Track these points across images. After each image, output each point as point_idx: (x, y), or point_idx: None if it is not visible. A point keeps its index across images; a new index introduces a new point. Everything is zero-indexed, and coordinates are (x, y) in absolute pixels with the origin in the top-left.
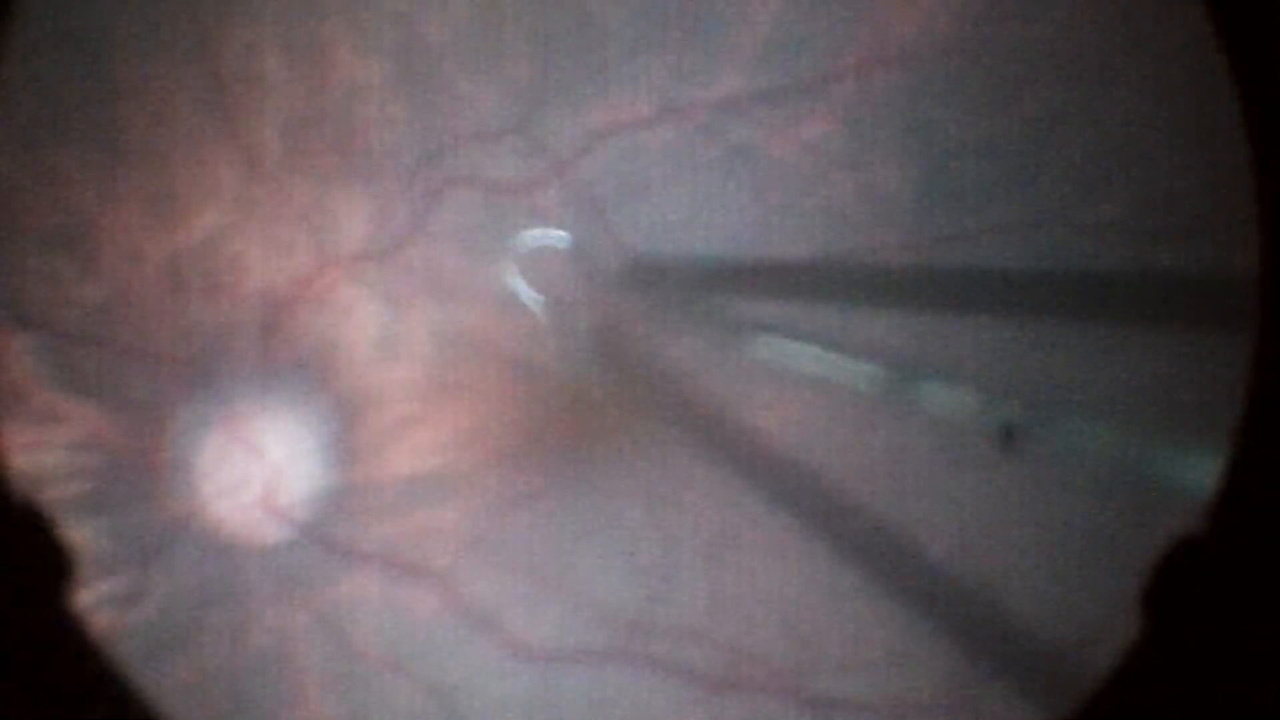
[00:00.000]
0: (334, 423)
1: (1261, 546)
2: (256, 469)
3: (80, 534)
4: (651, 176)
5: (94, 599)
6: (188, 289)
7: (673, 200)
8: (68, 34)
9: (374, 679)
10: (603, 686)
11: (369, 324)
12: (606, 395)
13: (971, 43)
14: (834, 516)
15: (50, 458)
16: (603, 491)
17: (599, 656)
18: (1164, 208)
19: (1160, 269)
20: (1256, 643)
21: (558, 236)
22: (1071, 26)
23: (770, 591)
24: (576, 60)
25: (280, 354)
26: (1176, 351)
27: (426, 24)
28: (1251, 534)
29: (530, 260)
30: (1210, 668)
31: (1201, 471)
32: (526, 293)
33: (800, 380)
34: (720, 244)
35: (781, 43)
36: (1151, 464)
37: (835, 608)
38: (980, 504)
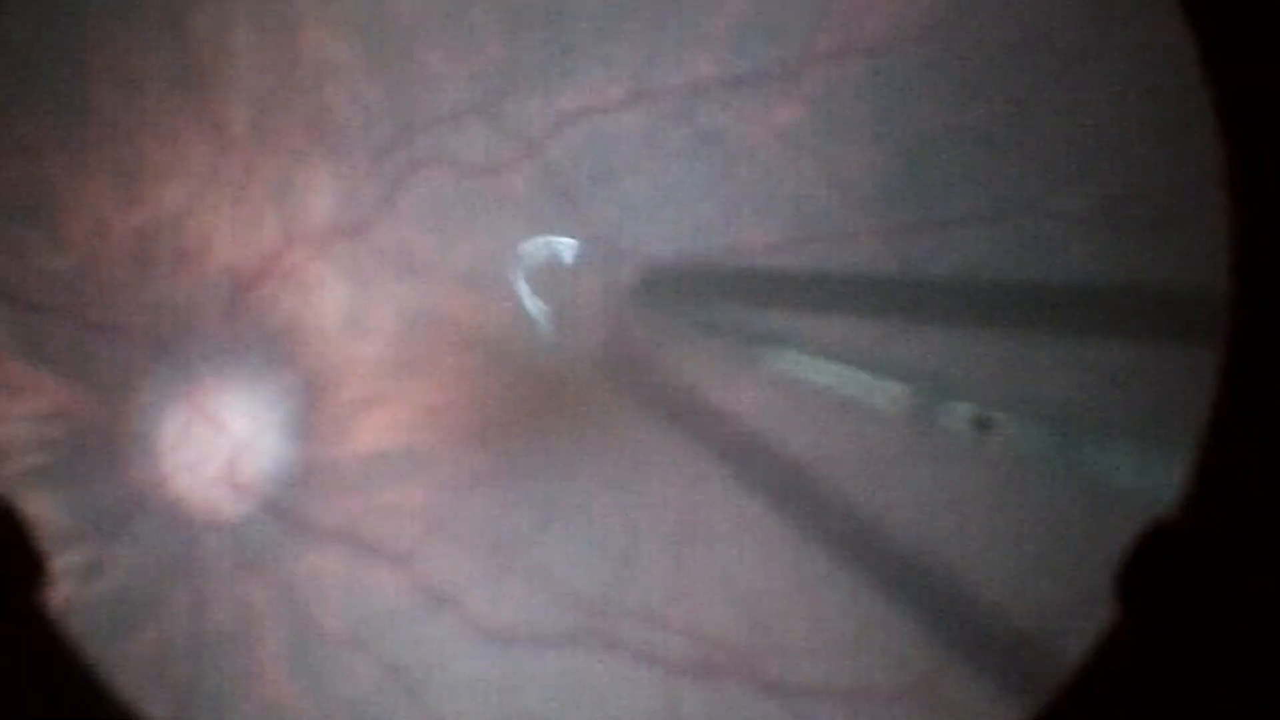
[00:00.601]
0: (299, 399)
1: (1234, 531)
2: (220, 444)
3: (42, 505)
4: (621, 160)
5: (55, 571)
6: (155, 262)
7: (642, 183)
8: (40, 9)
9: (335, 656)
10: (565, 668)
11: (335, 301)
12: (572, 378)
13: (943, 32)
14: (799, 504)
15: (13, 429)
16: (568, 474)
17: (561, 638)
18: (1134, 200)
19: (1127, 262)
20: (1230, 628)
21: (566, 245)
22: (1043, 18)
23: (734, 577)
24: (547, 43)
25: (246, 329)
26: (1141, 348)
27: (397, 4)
28: (1224, 519)
29: (498, 246)
30: (1183, 654)
31: (1162, 470)
32: (498, 277)
33: (765, 374)
34: (688, 228)
35: (753, 29)
36: (1112, 463)
37: (799, 594)
38: (945, 494)
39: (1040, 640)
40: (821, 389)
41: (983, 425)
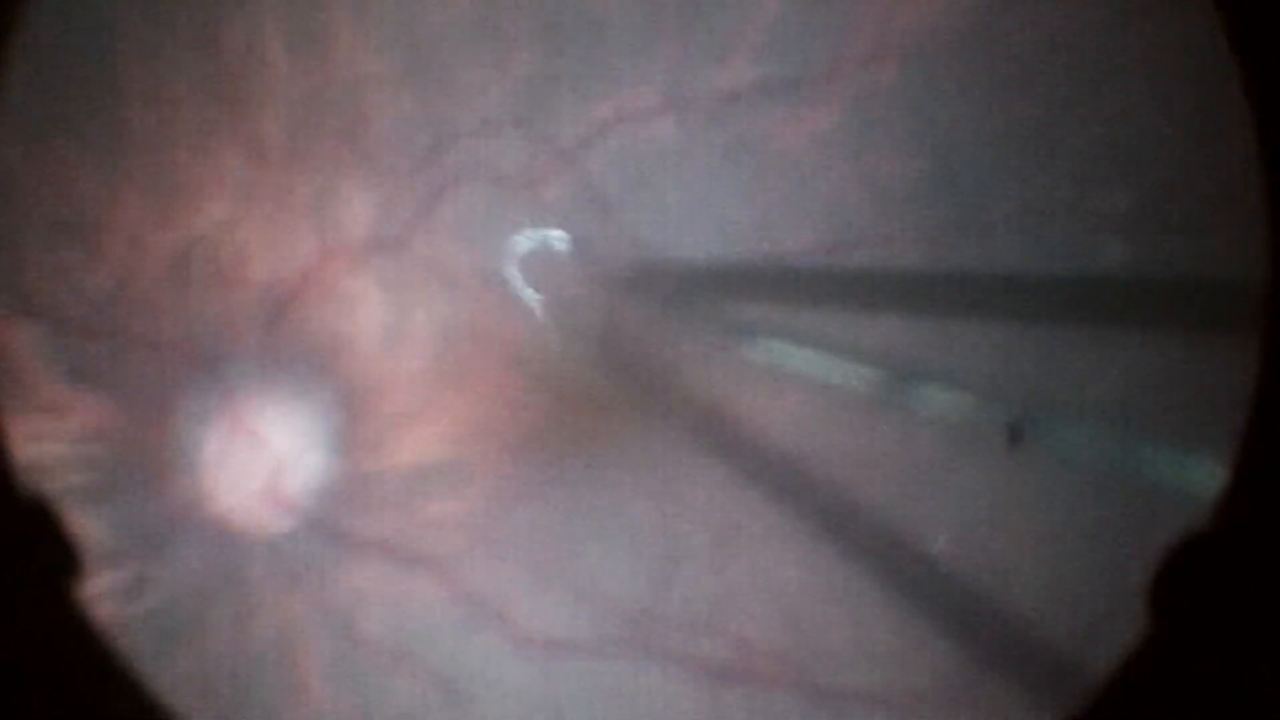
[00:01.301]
0: (338, 413)
1: (1268, 543)
2: (261, 459)
3: (85, 524)
4: (656, 168)
5: (98, 590)
6: (193, 280)
7: (677, 191)
8: (72, 26)
9: (378, 670)
10: (607, 678)
11: (374, 315)
12: (611, 388)
13: (976, 35)
14: (837, 511)
15: (56, 448)
16: (607, 484)
17: (605, 647)
18: (1170, 202)
19: (1165, 263)
20: (1262, 640)
21: (558, 236)
22: (1076, 19)
23: (775, 584)
24: (580, 52)
25: (285, 345)
26: (1180, 350)
27: (429, 15)
28: (1258, 531)
29: (532, 259)
30: (1215, 666)
31: (1203, 473)
32: (526, 291)
33: (803, 379)
34: (724, 235)
35: (786, 34)
36: (1153, 466)
37: (840, 601)
38: (983, 500)
39: (1082, 644)
40: (850, 391)
41: (1014, 436)
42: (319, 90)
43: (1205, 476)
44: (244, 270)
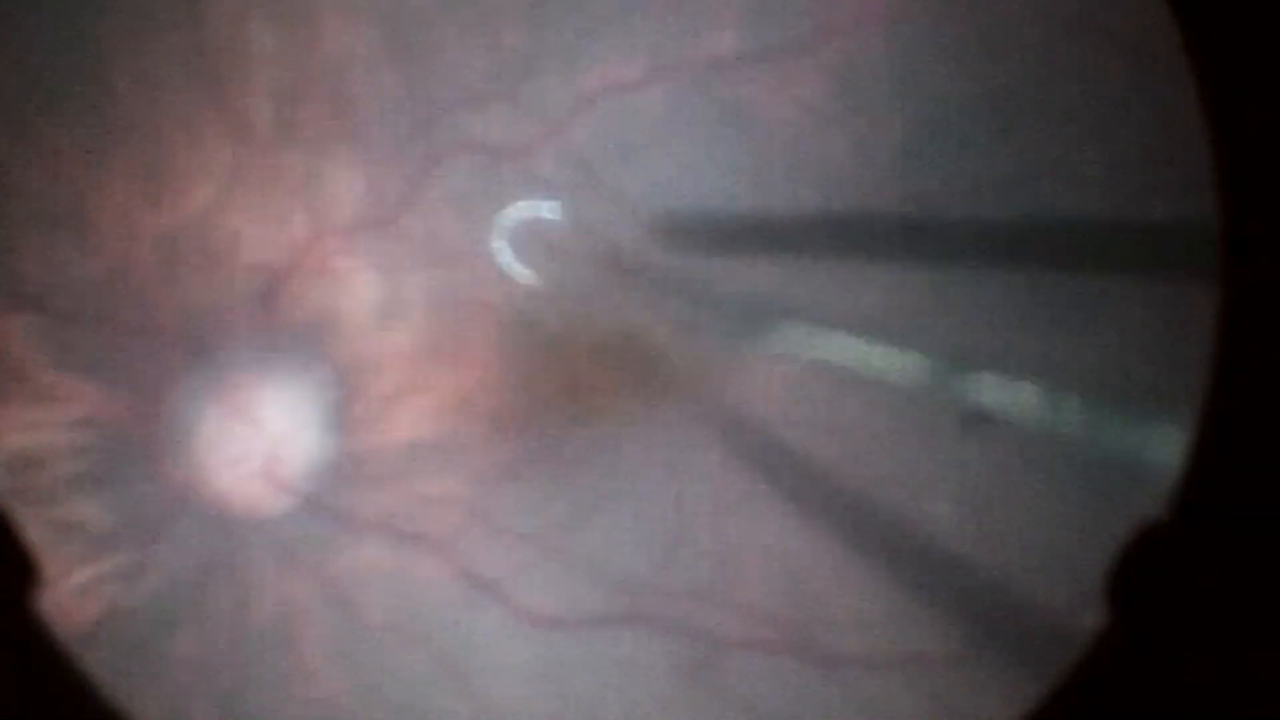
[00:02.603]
0: (333, 392)
1: (1225, 534)
2: (257, 441)
3: (83, 511)
4: (644, 137)
5: (98, 575)
6: (184, 263)
7: (666, 159)
8: (56, 11)
9: (380, 648)
10: (612, 649)
11: (366, 293)
12: (604, 360)
13: (958, 2)
14: (834, 483)
15: (50, 436)
16: (607, 456)
17: (608, 620)
18: (1151, 163)
19: (1147, 225)
20: (1220, 630)
21: (549, 207)
22: None
23: (778, 552)
24: (565, 23)
25: (278, 325)
26: (1167, 313)
27: None
28: (1215, 519)
29: (523, 231)
30: (1173, 655)
31: (1166, 446)
32: (517, 263)
33: (800, 353)
34: (713, 201)
35: (770, 2)
36: (1119, 438)
37: (845, 566)
38: (978, 471)
39: (1074, 612)
40: (834, 364)
41: (983, 419)
42: (305, 69)
43: (1166, 450)
44: (234, 253)
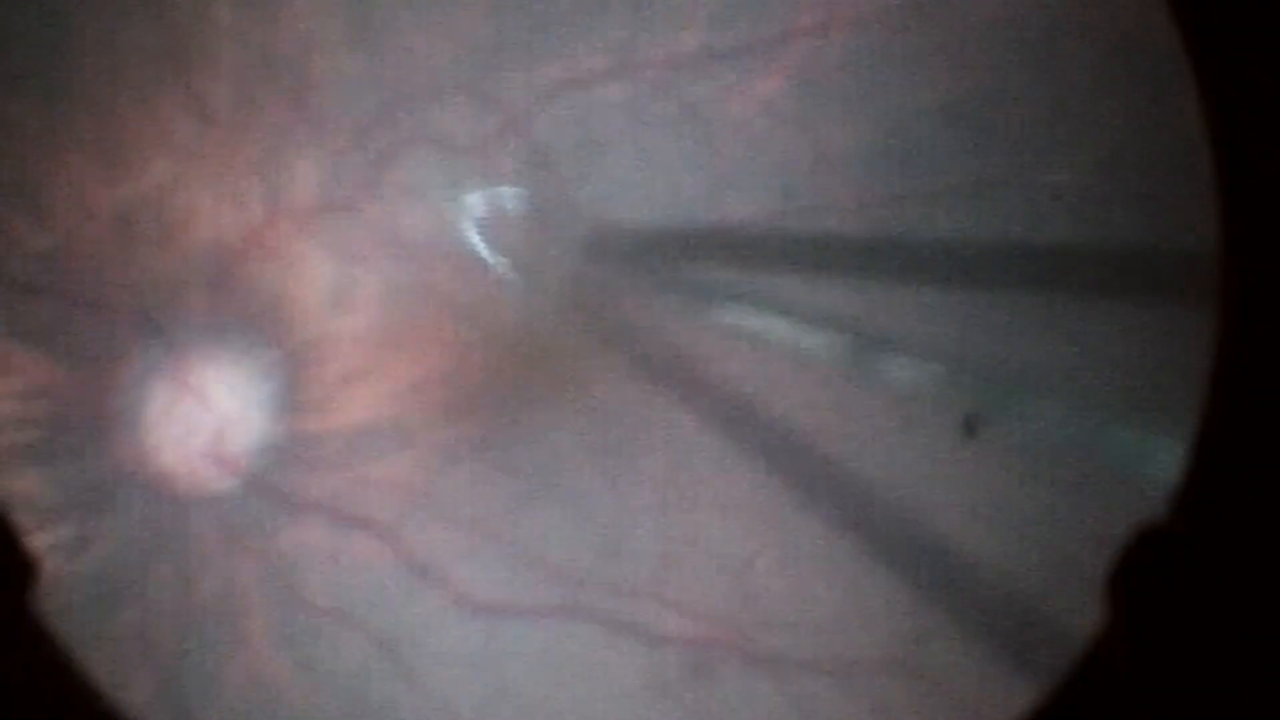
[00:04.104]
0: (283, 374)
1: (1225, 534)
2: (205, 419)
3: (28, 482)
4: (605, 133)
5: (42, 546)
6: (138, 239)
7: (626, 156)
8: None
9: (321, 629)
10: (552, 641)
11: (321, 277)
12: (559, 350)
13: (924, 6)
14: (786, 476)
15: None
16: (553, 446)
17: (548, 611)
18: (1119, 173)
19: (1115, 236)
20: (1220, 632)
21: (511, 194)
22: None
23: (723, 549)
24: (529, 15)
25: (230, 305)
26: (1136, 327)
27: None
28: (1215, 520)
29: (482, 219)
30: (1172, 657)
31: (1162, 452)
32: (475, 251)
33: (756, 341)
34: (672, 201)
35: (736, 1)
36: (1111, 443)
37: (789, 567)
38: (933, 467)
39: (1038, 616)
40: (802, 356)
41: (970, 427)
42: (266, 52)
43: (1160, 452)
44: (190, 231)
